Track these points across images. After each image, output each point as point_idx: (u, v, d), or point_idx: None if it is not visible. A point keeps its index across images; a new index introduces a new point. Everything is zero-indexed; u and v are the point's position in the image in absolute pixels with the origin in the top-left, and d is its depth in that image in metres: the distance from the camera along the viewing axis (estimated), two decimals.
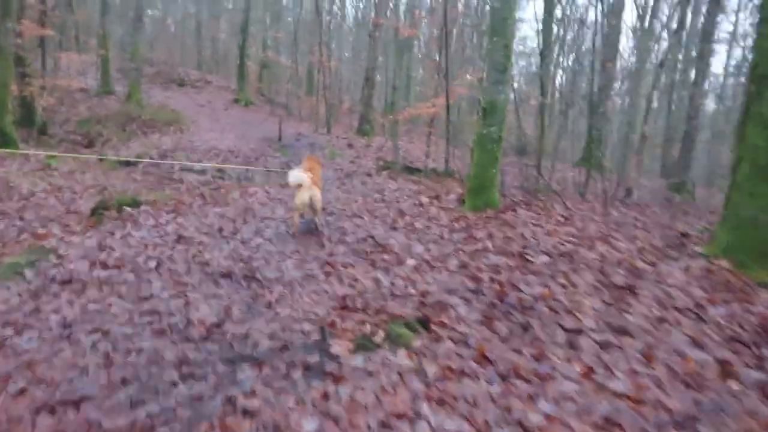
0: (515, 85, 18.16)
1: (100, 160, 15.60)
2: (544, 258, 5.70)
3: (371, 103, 22.81)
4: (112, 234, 7.04)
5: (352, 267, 5.88)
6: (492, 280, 5.19)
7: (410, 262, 5.88)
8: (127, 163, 15.79)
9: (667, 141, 25.06)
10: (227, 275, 5.71)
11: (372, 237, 6.84)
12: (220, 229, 7.30)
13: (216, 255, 6.30)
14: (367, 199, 10.13)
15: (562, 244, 6.18)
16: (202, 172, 16.12)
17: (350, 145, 20.66)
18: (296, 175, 7.03)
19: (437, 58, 17.55)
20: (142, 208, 8.51)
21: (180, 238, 6.89)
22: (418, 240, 6.58)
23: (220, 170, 17.25)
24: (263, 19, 34.07)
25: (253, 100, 30.32)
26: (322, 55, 22.29)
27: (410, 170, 19.18)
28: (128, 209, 8.22)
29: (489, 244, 6.30)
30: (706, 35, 20.55)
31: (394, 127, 17.90)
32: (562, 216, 8.25)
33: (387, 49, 24.90)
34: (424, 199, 9.60)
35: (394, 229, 7.36)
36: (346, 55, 39.76)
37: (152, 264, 5.96)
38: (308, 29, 31.79)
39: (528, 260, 5.66)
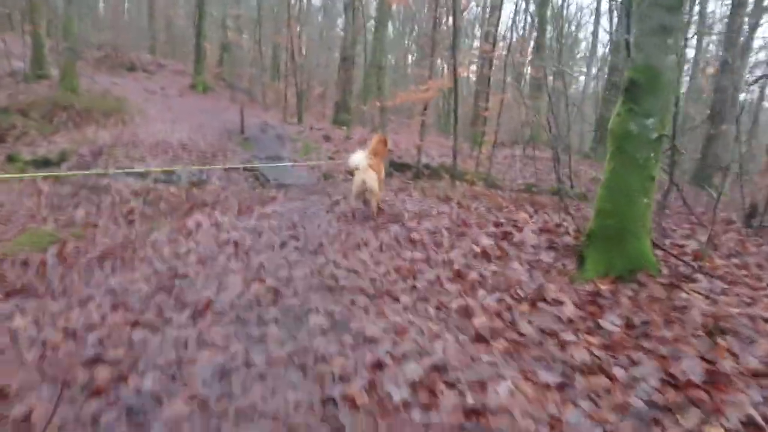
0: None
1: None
2: None
3: (350, 87, 19.37)
4: None
5: None
6: None
7: None
8: (45, 163, 12.20)
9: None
10: None
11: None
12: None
13: None
14: (383, 242, 5.76)
15: None
16: (143, 175, 12.55)
17: (327, 138, 17.27)
18: (356, 158, 6.73)
19: (433, 31, 14.34)
20: None
21: None
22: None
23: (165, 171, 13.72)
24: None
25: (213, 86, 26.59)
26: (291, 31, 18.74)
27: (400, 167, 15.92)
28: None
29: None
30: None
31: (381, 116, 14.58)
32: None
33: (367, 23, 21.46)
34: (485, 242, 5.32)
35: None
36: (317, 35, 36.04)
37: None
38: (272, 6, 28.01)
39: None
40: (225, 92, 25.95)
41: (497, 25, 16.86)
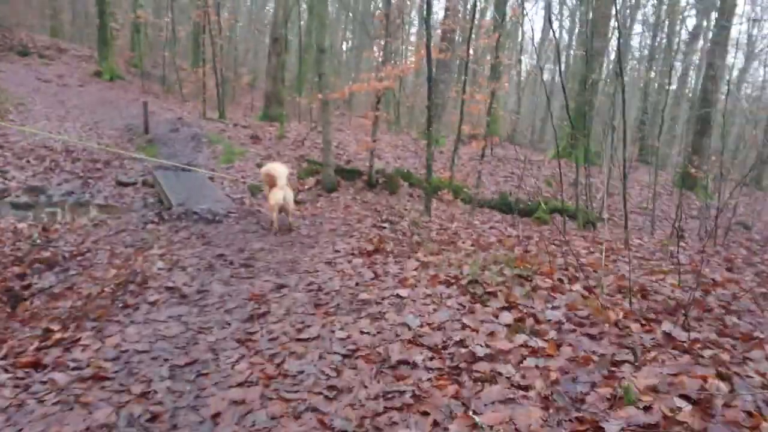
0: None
1: None
2: None
3: (282, 75, 15.85)
4: None
5: None
6: None
7: None
8: None
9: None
10: None
11: None
12: None
13: None
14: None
15: None
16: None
17: (255, 138, 13.82)
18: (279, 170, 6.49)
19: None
20: None
21: None
22: None
23: (32, 189, 10.14)
24: None
25: (122, 74, 22.41)
26: (208, 7, 15.00)
27: (348, 174, 12.70)
28: None
29: None
30: None
31: (324, 111, 11.32)
32: None
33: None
34: None
35: None
36: (246, 16, 31.93)
37: None
38: None
39: None
40: (136, 81, 21.86)
41: None
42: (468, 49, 10.32)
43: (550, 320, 3.21)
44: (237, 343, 3.02)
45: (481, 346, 2.88)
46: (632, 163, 18.84)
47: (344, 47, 34.10)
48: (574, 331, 3.04)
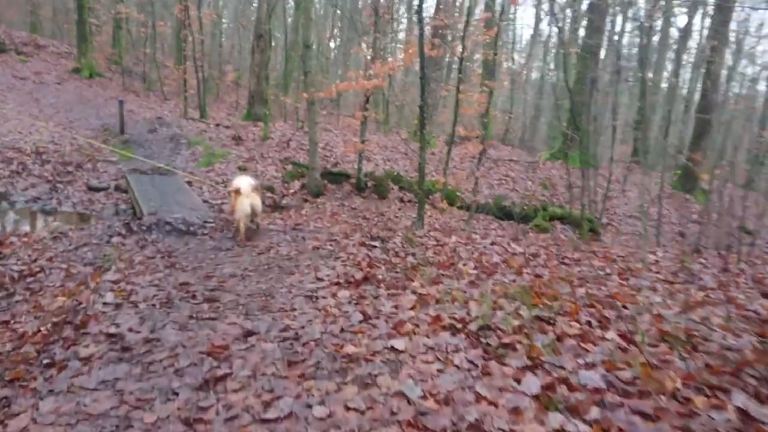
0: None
1: None
2: None
3: (266, 73, 15.01)
4: None
5: None
6: None
7: None
8: None
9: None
10: None
11: None
12: None
13: None
14: None
15: None
16: None
17: (237, 139, 13.02)
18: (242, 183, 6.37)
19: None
20: None
21: None
22: None
23: None
24: None
25: (102, 71, 21.48)
26: (188, 2, 14.13)
27: (336, 178, 11.97)
28: None
29: None
30: None
31: (310, 111, 10.57)
32: None
33: None
34: None
35: None
36: (232, 13, 30.97)
37: None
38: None
39: None
40: (118, 79, 20.91)
41: None
42: (463, 46, 9.59)
43: (586, 386, 2.49)
44: (183, 425, 2.27)
45: None
46: (628, 164, 18.25)
47: (332, 45, 33.19)
48: (620, 405, 2.32)
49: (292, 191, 11.44)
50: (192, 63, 15.26)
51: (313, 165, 11.25)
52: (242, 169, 11.48)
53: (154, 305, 3.69)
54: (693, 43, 25.36)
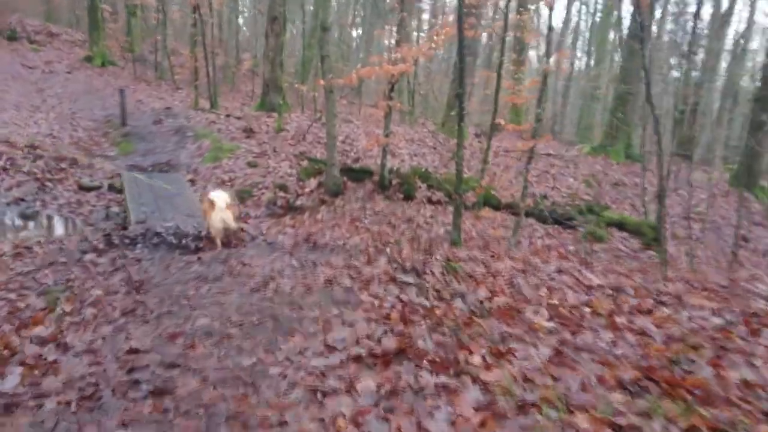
0: None
1: None
2: None
3: (281, 59, 13.58)
4: None
5: None
6: None
7: None
8: None
9: None
10: None
11: None
12: None
13: None
14: None
15: None
16: None
17: (249, 131, 11.65)
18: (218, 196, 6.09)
19: None
20: None
21: None
22: None
23: None
24: None
25: (114, 60, 20.29)
26: None
27: (357, 175, 10.57)
28: None
29: None
30: None
31: (328, 100, 9.19)
32: None
33: None
34: None
35: None
36: None
37: None
38: None
39: None
40: (130, 67, 19.69)
41: None
42: (505, 23, 8.06)
43: None
44: None
45: None
46: (673, 157, 16.49)
47: (354, 34, 31.57)
48: None
49: (307, 190, 10.06)
50: (202, 49, 13.89)
51: (331, 161, 9.84)
52: (251, 165, 10.13)
53: (68, 404, 2.31)
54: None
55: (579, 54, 31.56)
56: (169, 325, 3.22)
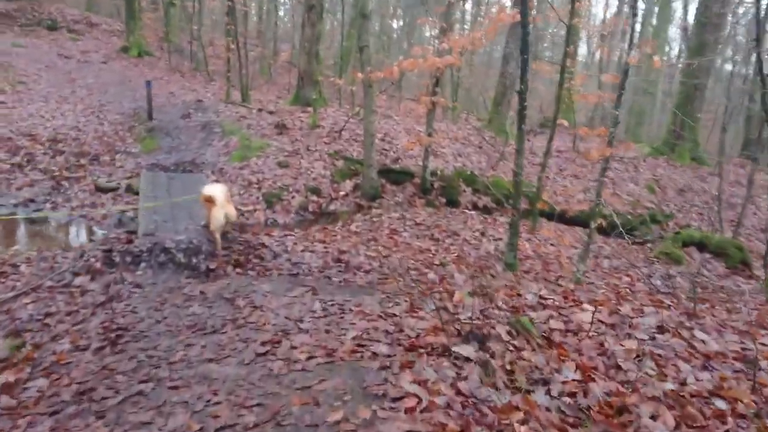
0: None
1: None
2: None
3: (317, 50, 12.59)
4: None
5: None
6: None
7: None
8: None
9: None
10: None
11: None
12: None
13: None
14: None
15: None
16: None
17: (281, 127, 10.72)
18: (215, 190, 5.88)
19: None
20: None
21: None
22: None
23: None
24: None
25: (151, 50, 19.68)
26: None
27: (396, 177, 9.55)
28: None
29: None
30: None
31: (367, 94, 8.17)
32: None
33: None
34: None
35: None
36: None
37: None
38: None
39: None
40: (167, 58, 19.05)
41: None
42: (572, 7, 6.85)
43: None
44: None
45: None
46: (742, 160, 14.85)
47: (394, 25, 30.29)
48: None
49: (342, 194, 9.08)
50: (234, 39, 13.00)
51: (368, 161, 8.83)
52: (281, 165, 9.19)
53: None
54: None
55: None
56: (130, 427, 2.24)
